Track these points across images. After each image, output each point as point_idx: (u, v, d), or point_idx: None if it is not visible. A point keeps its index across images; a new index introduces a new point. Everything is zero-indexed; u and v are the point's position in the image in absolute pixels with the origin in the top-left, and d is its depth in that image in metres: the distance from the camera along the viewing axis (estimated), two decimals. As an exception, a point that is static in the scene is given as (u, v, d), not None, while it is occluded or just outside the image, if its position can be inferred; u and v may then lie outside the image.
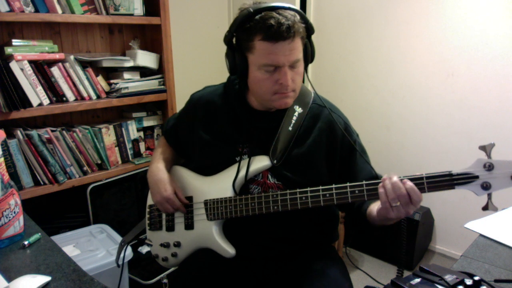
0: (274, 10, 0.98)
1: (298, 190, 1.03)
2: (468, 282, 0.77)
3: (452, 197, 2.36)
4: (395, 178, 0.90)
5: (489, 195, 0.87)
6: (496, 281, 0.86)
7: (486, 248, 1.02)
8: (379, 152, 2.60)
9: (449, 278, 0.80)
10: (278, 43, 0.97)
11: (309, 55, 1.08)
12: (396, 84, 2.48)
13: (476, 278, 0.77)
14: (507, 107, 2.10)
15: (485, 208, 0.88)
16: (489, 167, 0.85)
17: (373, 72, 2.56)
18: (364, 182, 0.97)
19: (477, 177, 0.87)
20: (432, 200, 2.44)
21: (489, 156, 0.86)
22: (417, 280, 0.83)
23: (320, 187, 1.01)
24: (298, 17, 1.00)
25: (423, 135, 2.44)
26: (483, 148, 0.86)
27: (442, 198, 2.41)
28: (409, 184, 0.89)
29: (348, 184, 0.98)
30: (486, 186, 0.86)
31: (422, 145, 2.45)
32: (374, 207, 1.01)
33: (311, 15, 2.74)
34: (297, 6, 2.62)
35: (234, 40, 1.07)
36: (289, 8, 1.01)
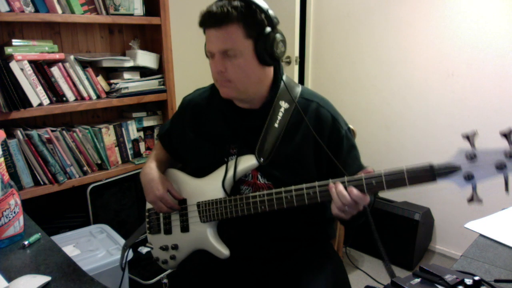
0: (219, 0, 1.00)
1: (283, 189, 1.02)
2: (468, 282, 0.77)
3: (452, 197, 2.36)
4: (340, 187, 0.93)
5: (474, 186, 0.83)
6: (496, 281, 0.86)
7: (486, 248, 1.02)
8: (379, 152, 2.60)
9: (449, 278, 0.80)
10: (209, 30, 1.00)
11: (260, 49, 1.00)
12: (397, 84, 2.48)
13: (476, 278, 0.77)
14: (507, 106, 2.10)
15: (470, 200, 0.84)
16: (471, 157, 0.81)
17: (374, 72, 2.57)
18: (345, 178, 0.94)
19: (459, 167, 0.83)
20: (432, 200, 2.44)
21: (472, 145, 0.82)
22: (417, 280, 0.82)
23: (304, 185, 0.99)
24: (240, 8, 0.97)
25: (423, 135, 2.44)
26: (465, 136, 0.82)
27: (442, 198, 2.41)
28: (355, 192, 0.91)
29: (330, 180, 0.96)
30: (468, 177, 0.82)
31: (422, 144, 2.45)
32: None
33: (311, 15, 2.74)
34: (297, 6, 2.62)
35: None
36: None
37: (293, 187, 1.01)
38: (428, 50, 2.31)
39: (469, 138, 0.81)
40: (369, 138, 2.61)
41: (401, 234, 2.34)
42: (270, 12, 1.01)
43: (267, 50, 1.01)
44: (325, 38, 2.71)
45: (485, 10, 2.08)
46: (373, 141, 2.61)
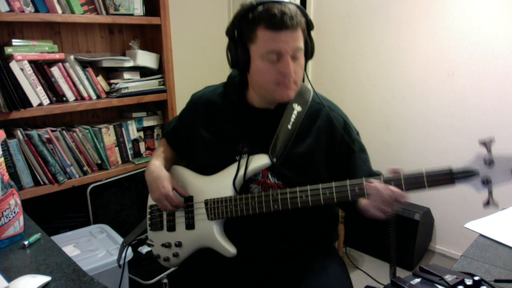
0: (276, 2, 0.99)
1: (298, 188, 1.03)
2: (468, 282, 0.77)
3: (452, 197, 2.36)
4: (378, 185, 0.93)
5: (490, 191, 0.87)
6: (496, 281, 0.86)
7: (486, 248, 1.02)
8: (379, 152, 2.60)
9: (449, 278, 0.80)
10: (281, 31, 0.97)
11: (309, 50, 1.08)
12: (397, 84, 2.48)
13: (476, 278, 0.77)
14: (507, 106, 2.10)
15: (487, 204, 0.88)
16: (489, 162, 0.85)
17: (374, 72, 2.56)
18: (363, 179, 0.97)
19: (477, 172, 0.87)
20: (432, 200, 2.44)
21: (489, 150, 0.85)
22: (417, 280, 0.83)
23: (320, 185, 1.01)
24: (299, 11, 1.01)
25: (423, 135, 2.44)
26: (483, 142, 0.85)
27: (442, 198, 2.41)
28: (395, 189, 0.92)
29: (347, 181, 0.98)
30: (486, 182, 0.86)
31: (422, 144, 2.45)
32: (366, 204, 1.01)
33: (311, 15, 2.73)
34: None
35: (235, 32, 1.06)
36: (290, 2, 1.02)
37: (308, 187, 1.02)
38: (428, 50, 2.31)
39: (486, 144, 0.85)
40: (369, 138, 2.60)
41: (401, 234, 2.34)
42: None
43: (310, 52, 1.08)
44: (325, 38, 2.71)
45: (485, 10, 2.08)
46: (373, 141, 2.60)
